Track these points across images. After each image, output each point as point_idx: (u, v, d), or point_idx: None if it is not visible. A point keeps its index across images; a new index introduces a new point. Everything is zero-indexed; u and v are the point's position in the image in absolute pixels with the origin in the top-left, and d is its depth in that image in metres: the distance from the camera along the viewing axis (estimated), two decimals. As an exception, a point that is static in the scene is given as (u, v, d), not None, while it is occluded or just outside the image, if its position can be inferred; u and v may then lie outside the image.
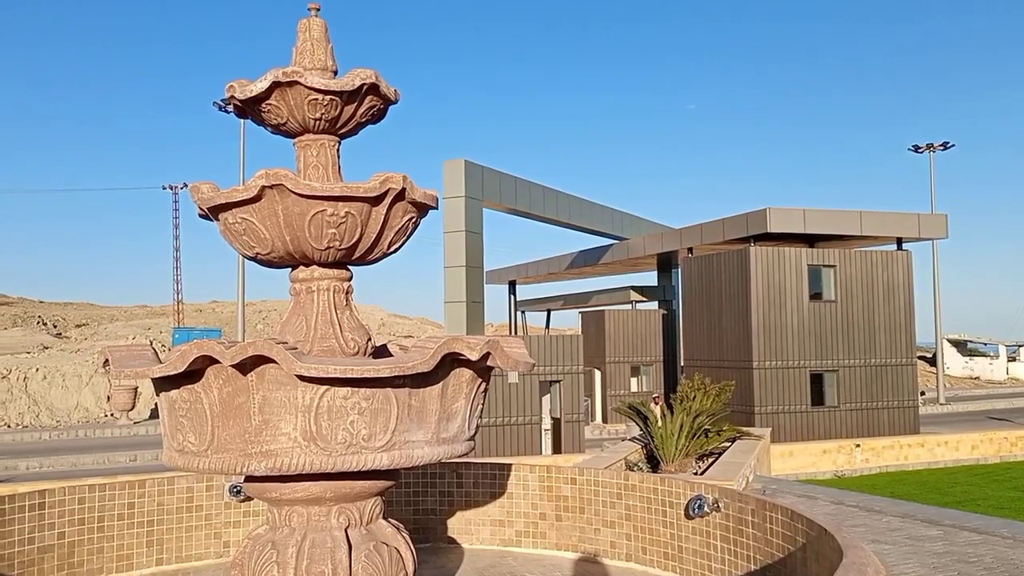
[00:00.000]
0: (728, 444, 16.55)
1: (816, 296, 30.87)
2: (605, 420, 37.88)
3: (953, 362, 63.63)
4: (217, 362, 4.06)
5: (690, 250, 35.04)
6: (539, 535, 7.11)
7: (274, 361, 4.00)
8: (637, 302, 46.59)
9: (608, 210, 41.54)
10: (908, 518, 11.37)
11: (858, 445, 29.97)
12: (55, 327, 64.41)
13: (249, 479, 4.67)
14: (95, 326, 64.68)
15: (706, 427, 15.56)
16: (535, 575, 6.47)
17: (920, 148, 46.62)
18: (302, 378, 4.07)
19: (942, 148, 46.27)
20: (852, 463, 29.48)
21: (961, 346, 66.51)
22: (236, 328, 55.17)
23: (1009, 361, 65.52)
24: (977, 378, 63.00)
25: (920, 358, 58.97)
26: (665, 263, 43.42)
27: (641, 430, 15.96)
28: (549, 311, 60.80)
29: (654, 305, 45.37)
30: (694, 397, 15.87)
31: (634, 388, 38.53)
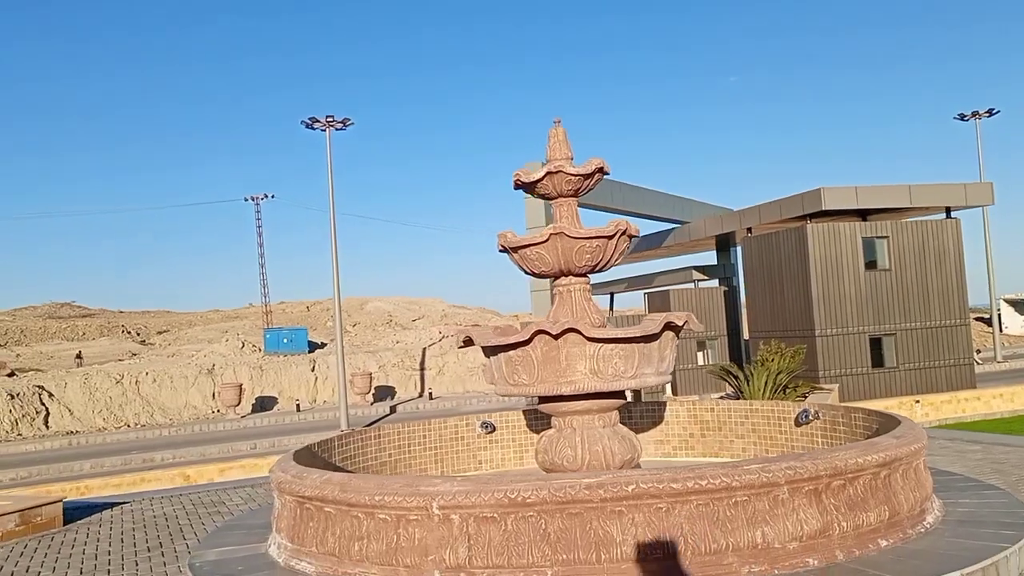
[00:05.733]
0: (802, 399, 19.63)
1: (871, 266, 33.24)
2: (675, 393, 40.94)
3: (1012, 321, 64.73)
4: (545, 332, 7.39)
5: (749, 230, 37.61)
6: (689, 448, 10.39)
7: (578, 331, 7.32)
8: (699, 280, 49.18)
9: (668, 196, 44.32)
10: (956, 440, 14.39)
11: (918, 401, 32.41)
12: (138, 335, 68.63)
13: (544, 400, 8.02)
14: (176, 331, 68.77)
15: (785, 384, 18.68)
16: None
17: (966, 116, 47.54)
18: (590, 339, 7.38)
19: (987, 115, 47.29)
20: (914, 418, 31.94)
21: (1019, 305, 67.51)
22: (310, 325, 59.28)
23: (1066, 317, 66.62)
24: (1035, 336, 64.28)
25: (977, 319, 60.40)
26: (723, 243, 45.73)
27: (733, 388, 19.13)
28: (612, 294, 63.73)
29: (714, 283, 47.91)
30: (772, 360, 18.99)
31: (700, 361, 41.36)
